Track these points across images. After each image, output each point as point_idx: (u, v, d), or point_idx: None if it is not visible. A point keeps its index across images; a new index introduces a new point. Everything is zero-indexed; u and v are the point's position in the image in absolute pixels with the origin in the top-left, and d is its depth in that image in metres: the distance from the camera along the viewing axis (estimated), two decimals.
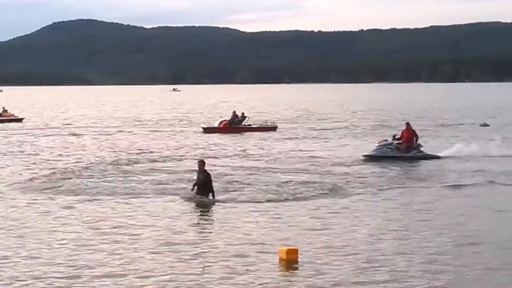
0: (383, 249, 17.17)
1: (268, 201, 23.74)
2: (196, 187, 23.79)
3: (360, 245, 17.51)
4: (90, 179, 28.72)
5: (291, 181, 27.92)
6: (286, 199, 24.02)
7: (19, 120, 70.80)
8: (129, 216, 21.35)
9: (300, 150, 41.20)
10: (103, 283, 14.45)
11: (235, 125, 56.05)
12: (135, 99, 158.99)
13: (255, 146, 44.23)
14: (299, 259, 15.97)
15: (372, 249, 17.10)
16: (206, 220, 21.11)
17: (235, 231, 19.11)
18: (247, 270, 15.36)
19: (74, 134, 54.96)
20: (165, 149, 42.13)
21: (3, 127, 63.02)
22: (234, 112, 58.41)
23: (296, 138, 51.08)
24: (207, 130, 55.78)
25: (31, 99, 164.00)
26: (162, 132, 56.71)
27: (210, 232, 19.27)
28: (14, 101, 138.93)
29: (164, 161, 35.78)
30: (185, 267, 15.54)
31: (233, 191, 25.66)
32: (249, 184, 27.35)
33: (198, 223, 20.66)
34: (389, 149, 35.90)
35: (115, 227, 19.68)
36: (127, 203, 23.46)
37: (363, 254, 16.60)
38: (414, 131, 37.05)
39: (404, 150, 35.82)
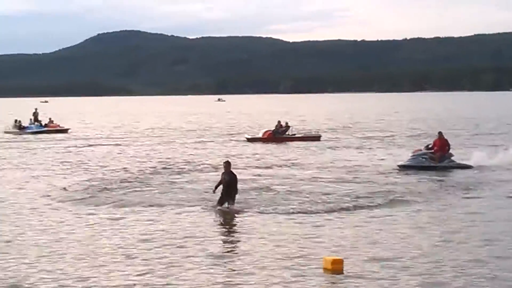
0: (435, 261, 16.95)
1: (311, 212, 23.68)
2: (219, 188, 23.96)
3: (410, 257, 17.34)
4: (136, 189, 28.97)
5: (335, 191, 27.88)
6: (330, 209, 23.96)
7: (65, 130, 71.48)
8: (176, 226, 21.46)
9: (344, 160, 41.12)
10: None
11: (279, 135, 56.23)
12: (180, 109, 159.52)
13: (299, 155, 44.21)
14: (344, 269, 15.91)
15: (425, 261, 16.89)
16: (252, 230, 21.07)
17: (280, 241, 19.12)
18: (292, 280, 15.34)
19: (119, 144, 55.41)
20: (209, 159, 42.30)
21: (49, 137, 63.69)
22: (279, 122, 58.52)
23: (340, 147, 50.96)
24: (251, 140, 56.13)
25: (75, 109, 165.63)
26: (207, 142, 56.91)
27: (255, 243, 19.23)
28: (60, 111, 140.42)
29: (207, 171, 35.91)
30: (232, 278, 15.59)
31: (279, 200, 25.72)
32: (293, 193, 27.38)
33: (243, 234, 20.63)
34: (424, 159, 35.78)
35: (162, 238, 19.76)
36: (173, 213, 23.62)
37: (414, 267, 16.41)
38: (446, 140, 37.05)
39: (438, 159, 35.75)
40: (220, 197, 23.87)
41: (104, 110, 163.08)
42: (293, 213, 23.40)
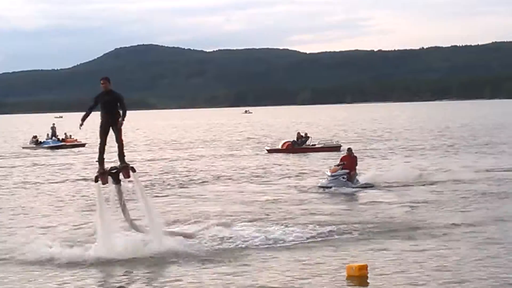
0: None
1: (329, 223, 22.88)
2: None
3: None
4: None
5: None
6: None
7: (82, 145, 71.08)
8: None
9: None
10: None
11: (298, 146, 55.74)
12: (205, 121, 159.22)
13: (316, 165, 43.43)
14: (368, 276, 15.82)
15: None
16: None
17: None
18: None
19: (136, 158, 54.81)
20: (229, 170, 41.77)
21: (66, 152, 63.33)
22: (299, 133, 58.03)
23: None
24: (271, 151, 55.64)
25: (93, 124, 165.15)
26: (228, 154, 56.45)
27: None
28: (76, 126, 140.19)
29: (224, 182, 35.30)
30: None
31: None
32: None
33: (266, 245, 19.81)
34: (344, 179, 31.71)
35: None
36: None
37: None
38: (355, 157, 33.19)
39: (352, 179, 32.14)
40: None
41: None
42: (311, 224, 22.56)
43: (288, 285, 15.63)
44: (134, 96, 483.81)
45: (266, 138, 77.23)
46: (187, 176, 39.97)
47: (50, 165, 50.33)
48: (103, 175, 18.89)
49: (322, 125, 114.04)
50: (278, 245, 19.64)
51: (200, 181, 37.34)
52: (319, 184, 32.39)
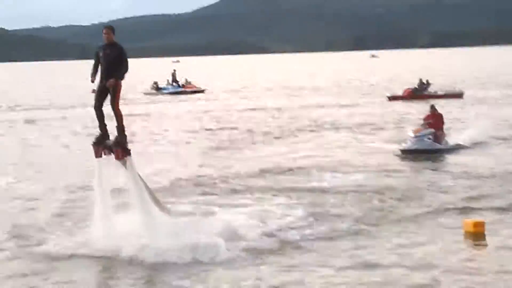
0: None
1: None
2: None
3: None
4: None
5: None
6: None
7: (201, 91, 71.59)
8: None
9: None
10: None
11: (419, 93, 54.54)
12: (327, 67, 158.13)
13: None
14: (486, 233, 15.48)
15: None
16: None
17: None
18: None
19: (252, 106, 54.81)
20: (348, 118, 41.25)
21: (186, 98, 63.90)
22: (421, 79, 56.69)
23: (483, 104, 48.65)
24: (392, 99, 54.89)
25: (211, 69, 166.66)
26: (347, 100, 55.83)
27: None
28: (194, 71, 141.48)
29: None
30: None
31: None
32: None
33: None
34: (429, 140, 28.43)
35: None
36: None
37: None
38: (441, 115, 29.46)
39: (440, 139, 28.84)
40: None
41: (240, 69, 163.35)
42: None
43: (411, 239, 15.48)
44: (250, 41, 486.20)
45: (389, 84, 75.56)
46: (310, 123, 39.82)
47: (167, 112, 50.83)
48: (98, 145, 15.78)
49: (444, 70, 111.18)
50: None
51: (313, 129, 37.15)
52: (401, 148, 28.42)
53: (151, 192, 15.90)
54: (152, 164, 23.89)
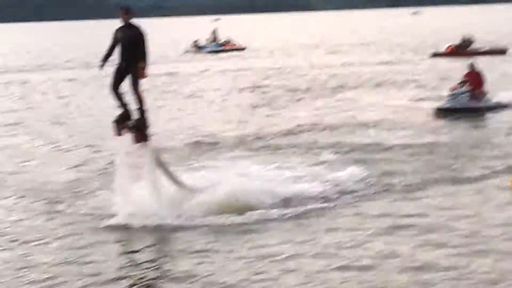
0: None
1: None
2: None
3: None
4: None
5: None
6: None
7: (242, 49, 71.24)
8: None
9: None
10: None
11: (462, 50, 53.87)
12: (368, 24, 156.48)
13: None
14: None
15: None
16: None
17: None
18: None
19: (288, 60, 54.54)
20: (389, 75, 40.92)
21: (227, 56, 63.68)
22: (464, 36, 55.92)
23: None
24: (435, 56, 54.47)
25: (252, 28, 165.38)
26: (389, 57, 55.58)
27: None
28: (235, 30, 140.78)
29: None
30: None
31: None
32: None
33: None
34: (465, 98, 27.39)
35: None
36: None
37: None
38: (480, 73, 28.44)
39: (479, 97, 27.69)
40: None
41: (282, 27, 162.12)
42: None
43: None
44: None
45: (432, 41, 74.38)
46: (351, 80, 39.55)
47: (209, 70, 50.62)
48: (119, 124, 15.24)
49: (488, 26, 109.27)
50: None
51: (355, 86, 36.99)
52: (436, 106, 27.57)
53: (171, 177, 15.17)
54: (191, 120, 23.83)
